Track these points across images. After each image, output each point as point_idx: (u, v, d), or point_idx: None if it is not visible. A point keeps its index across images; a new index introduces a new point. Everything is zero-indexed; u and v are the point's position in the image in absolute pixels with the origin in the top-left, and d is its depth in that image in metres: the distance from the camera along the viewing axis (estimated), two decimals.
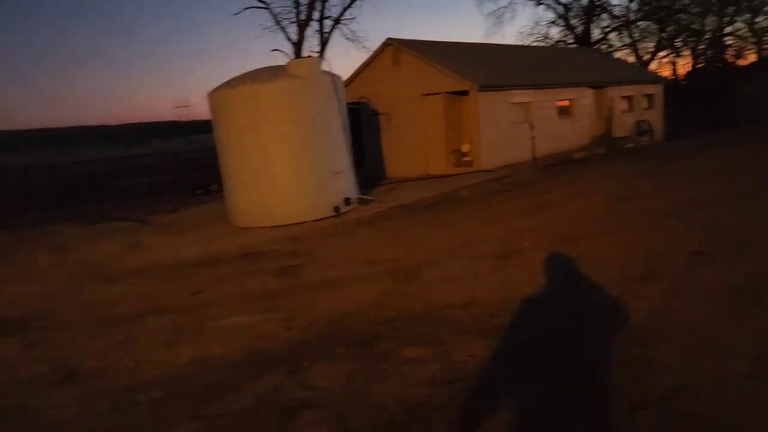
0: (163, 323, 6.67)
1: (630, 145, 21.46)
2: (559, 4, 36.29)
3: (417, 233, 10.42)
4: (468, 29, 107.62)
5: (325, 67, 13.70)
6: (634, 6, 37.21)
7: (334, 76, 13.63)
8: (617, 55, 36.90)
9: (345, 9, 29.52)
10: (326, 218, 12.55)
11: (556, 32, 46.60)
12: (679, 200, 10.07)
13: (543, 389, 4.04)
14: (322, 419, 3.97)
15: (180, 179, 23.09)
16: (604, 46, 37.16)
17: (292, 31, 29.03)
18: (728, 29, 38.20)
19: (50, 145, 65.89)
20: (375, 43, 26.10)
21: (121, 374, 5.25)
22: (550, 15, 56.66)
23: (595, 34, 36.83)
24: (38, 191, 21.67)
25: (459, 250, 8.57)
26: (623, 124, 23.24)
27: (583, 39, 35.84)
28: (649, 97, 25.37)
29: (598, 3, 35.89)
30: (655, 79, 28.03)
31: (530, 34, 42.38)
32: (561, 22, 37.16)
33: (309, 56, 21.06)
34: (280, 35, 29.41)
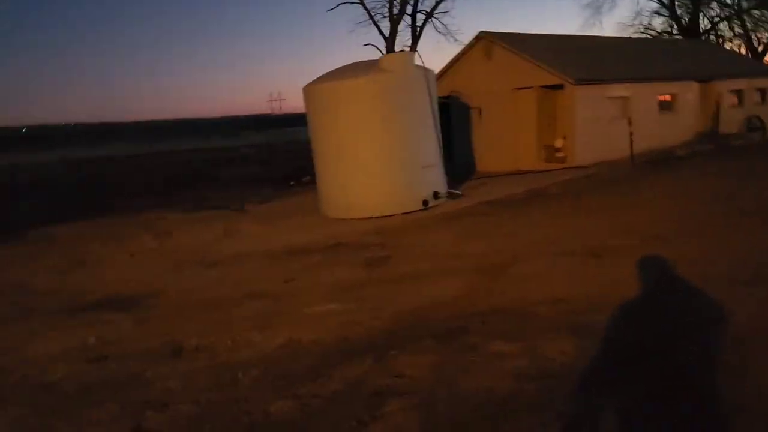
0: (257, 307, 7.02)
1: (739, 142, 20.14)
2: None
3: (506, 229, 10.33)
4: (564, 21, 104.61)
5: (417, 61, 13.79)
6: None
7: (426, 71, 13.69)
8: (727, 46, 34.70)
9: (438, 2, 29.53)
10: (415, 211, 12.66)
11: (659, 23, 44.33)
12: None
13: (638, 390, 3.96)
14: (409, 406, 4.08)
15: (274, 170, 23.95)
16: (712, 37, 35.01)
17: (385, 25, 29.34)
18: None
19: (155, 136, 69.96)
20: (467, 37, 25.93)
21: (221, 352, 5.59)
22: (654, 4, 53.91)
23: (704, 23, 34.79)
24: (144, 179, 23.14)
25: (548, 247, 8.44)
26: (732, 120, 21.82)
27: (690, 29, 33.92)
28: (762, 91, 23.67)
29: None
30: None
31: (631, 25, 40.55)
32: (665, 11, 35.36)
33: (402, 51, 21.23)
34: (373, 30, 29.73)
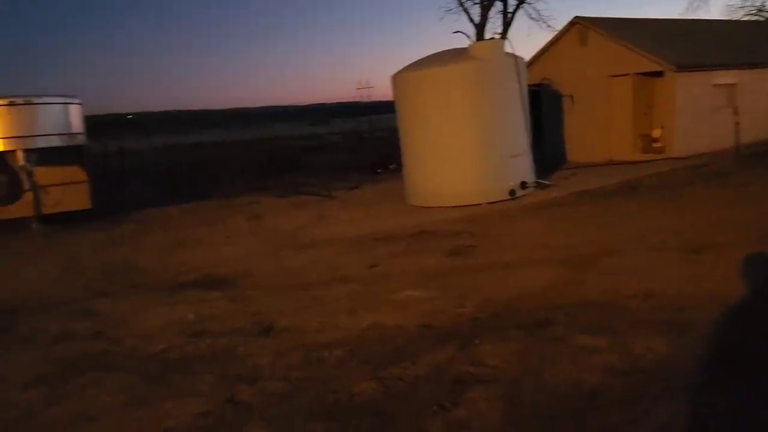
0: (344, 291, 7.19)
1: None
2: None
3: (596, 221, 10.00)
4: (666, 6, 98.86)
5: (507, 48, 13.55)
6: None
7: (516, 58, 13.43)
8: None
9: None
10: (502, 201, 12.50)
11: None
12: None
13: (739, 392, 3.77)
14: (493, 394, 4.07)
15: (362, 158, 24.26)
16: None
17: (475, 12, 28.86)
18: None
19: (249, 123, 72.58)
20: (560, 23, 25.05)
21: (309, 333, 5.79)
22: None
23: None
24: (238, 164, 24.07)
25: (642, 241, 8.11)
26: None
27: None
28: None
29: None
30: None
31: (741, 7, 37.78)
32: None
33: (492, 38, 20.88)
34: (463, 17, 29.26)
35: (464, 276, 7.38)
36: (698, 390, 3.90)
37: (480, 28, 28.69)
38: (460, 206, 12.37)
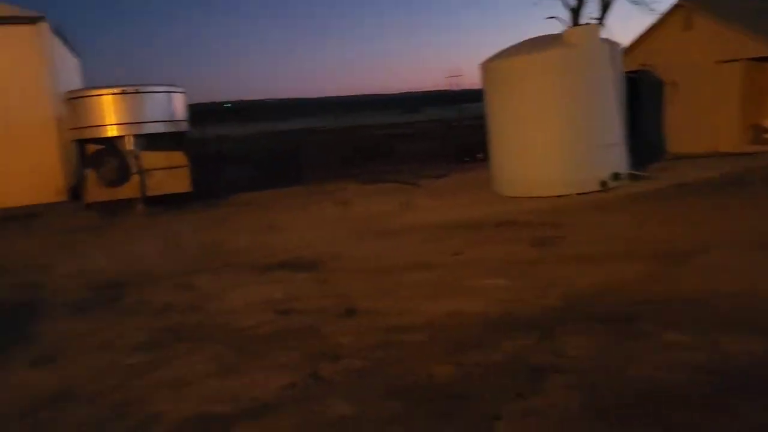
0: (426, 277, 7.28)
1: None
2: None
3: (694, 215, 9.52)
4: None
5: (603, 34, 13.06)
6: None
7: (612, 44, 12.93)
8: None
9: None
10: (592, 192, 12.12)
11: None
12: None
13: None
14: (572, 385, 4.04)
15: (449, 146, 24.17)
16: None
17: None
18: None
19: (342, 111, 73.85)
20: (663, 6, 23.79)
21: (389, 316, 5.93)
22: None
23: None
24: (329, 151, 24.65)
25: (743, 238, 7.66)
26: None
27: None
28: None
29: None
30: None
31: None
32: None
33: (587, 24, 20.19)
34: (558, 3, 28.39)
35: (549, 266, 7.27)
36: None
37: (576, 13, 27.73)
38: (548, 196, 12.12)
